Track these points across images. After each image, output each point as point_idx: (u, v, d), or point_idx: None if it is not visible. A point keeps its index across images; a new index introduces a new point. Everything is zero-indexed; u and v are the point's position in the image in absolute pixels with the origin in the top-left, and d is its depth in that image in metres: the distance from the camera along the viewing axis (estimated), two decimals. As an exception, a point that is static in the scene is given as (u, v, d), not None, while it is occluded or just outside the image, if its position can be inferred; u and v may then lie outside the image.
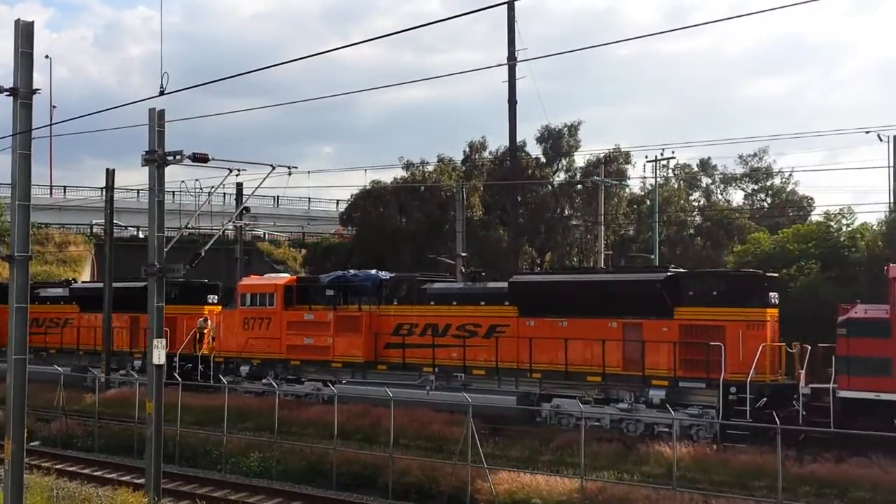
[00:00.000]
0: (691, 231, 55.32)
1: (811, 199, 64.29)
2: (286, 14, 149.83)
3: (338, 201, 67.12)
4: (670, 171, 62.83)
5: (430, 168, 50.12)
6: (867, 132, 43.45)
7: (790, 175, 68.26)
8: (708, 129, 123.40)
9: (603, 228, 45.88)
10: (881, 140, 43.95)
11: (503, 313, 26.66)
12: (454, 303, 28.01)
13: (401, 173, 50.54)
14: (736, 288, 23.43)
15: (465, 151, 52.33)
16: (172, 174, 49.31)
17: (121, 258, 39.36)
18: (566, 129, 50.73)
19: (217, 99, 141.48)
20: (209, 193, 32.28)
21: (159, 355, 18.73)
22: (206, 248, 21.20)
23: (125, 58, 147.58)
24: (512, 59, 40.24)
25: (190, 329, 34.23)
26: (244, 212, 49.79)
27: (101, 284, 37.81)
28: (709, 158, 68.01)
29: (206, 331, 34.33)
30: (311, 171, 54.91)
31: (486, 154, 52.36)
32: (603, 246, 45.36)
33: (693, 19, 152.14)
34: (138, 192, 62.94)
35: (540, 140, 50.74)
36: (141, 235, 55.07)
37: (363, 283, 29.93)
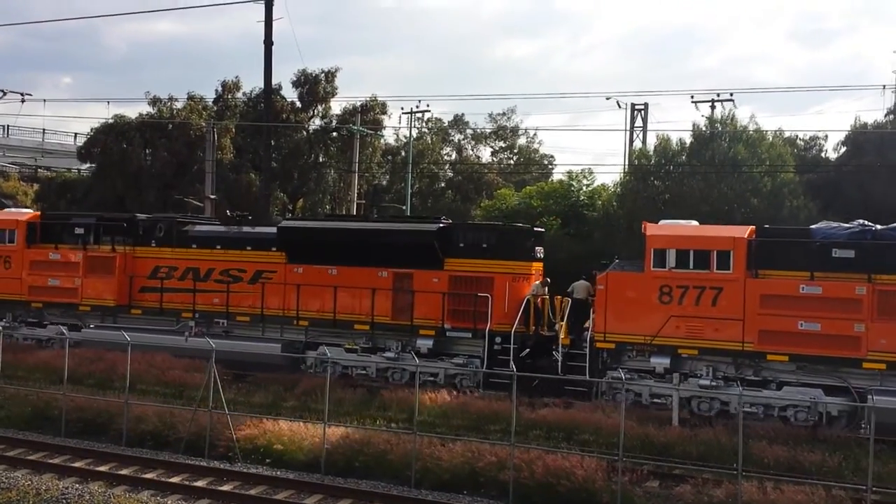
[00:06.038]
0: (443, 184, 56.64)
1: (552, 157, 67.87)
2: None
3: (76, 135, 63.24)
4: (424, 124, 64.03)
5: (179, 105, 48.00)
6: (608, 98, 46.31)
7: (535, 134, 71.68)
8: (461, 86, 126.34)
9: (357, 177, 45.90)
10: (620, 107, 47.04)
11: None
12: None
13: (147, 109, 48.19)
14: None
15: (217, 91, 50.51)
16: None
17: None
18: (323, 74, 50.06)
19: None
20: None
21: None
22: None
23: None
24: (269, -3, 38.98)
25: (516, 295, 23.82)
26: (-32, 139, 45.92)
27: (332, 224, 27.02)
28: (462, 115, 69.91)
29: (541, 299, 24.12)
30: (46, 100, 51.31)
31: (239, 95, 50.79)
32: (356, 194, 45.45)
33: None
34: None
35: (296, 84, 49.84)
36: None
37: None
